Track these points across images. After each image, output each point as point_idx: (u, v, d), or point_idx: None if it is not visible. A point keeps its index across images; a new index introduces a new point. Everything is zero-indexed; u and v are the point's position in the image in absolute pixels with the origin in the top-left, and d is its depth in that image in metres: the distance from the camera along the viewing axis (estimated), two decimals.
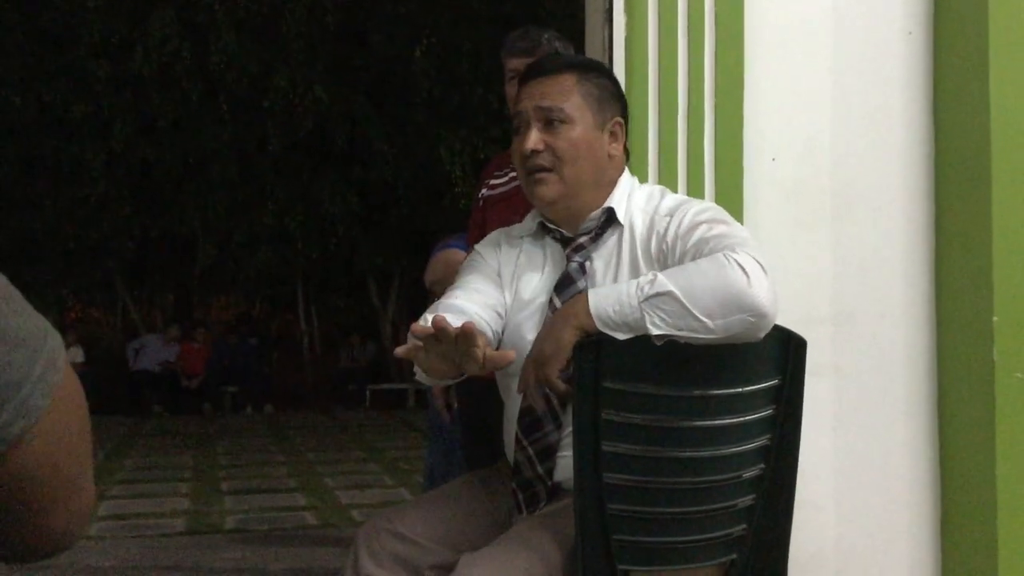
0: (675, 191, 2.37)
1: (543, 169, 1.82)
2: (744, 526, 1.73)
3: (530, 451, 1.81)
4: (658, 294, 1.56)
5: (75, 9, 12.14)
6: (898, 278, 2.50)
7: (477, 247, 2.03)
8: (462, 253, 3.37)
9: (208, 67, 12.22)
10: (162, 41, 12.03)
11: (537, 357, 1.66)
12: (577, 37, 2.82)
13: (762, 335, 1.61)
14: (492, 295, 1.89)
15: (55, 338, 0.66)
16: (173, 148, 13.10)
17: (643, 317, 1.57)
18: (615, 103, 1.89)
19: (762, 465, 1.72)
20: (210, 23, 12.19)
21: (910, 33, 2.51)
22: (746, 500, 1.72)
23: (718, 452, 1.67)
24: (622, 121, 1.89)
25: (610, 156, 1.86)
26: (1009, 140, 2.33)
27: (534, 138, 1.81)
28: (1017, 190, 2.33)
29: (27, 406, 0.62)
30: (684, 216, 1.76)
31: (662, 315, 1.56)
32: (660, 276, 1.60)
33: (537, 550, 1.67)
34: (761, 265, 1.59)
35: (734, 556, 1.74)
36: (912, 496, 2.49)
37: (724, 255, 1.59)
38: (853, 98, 2.50)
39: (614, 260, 1.83)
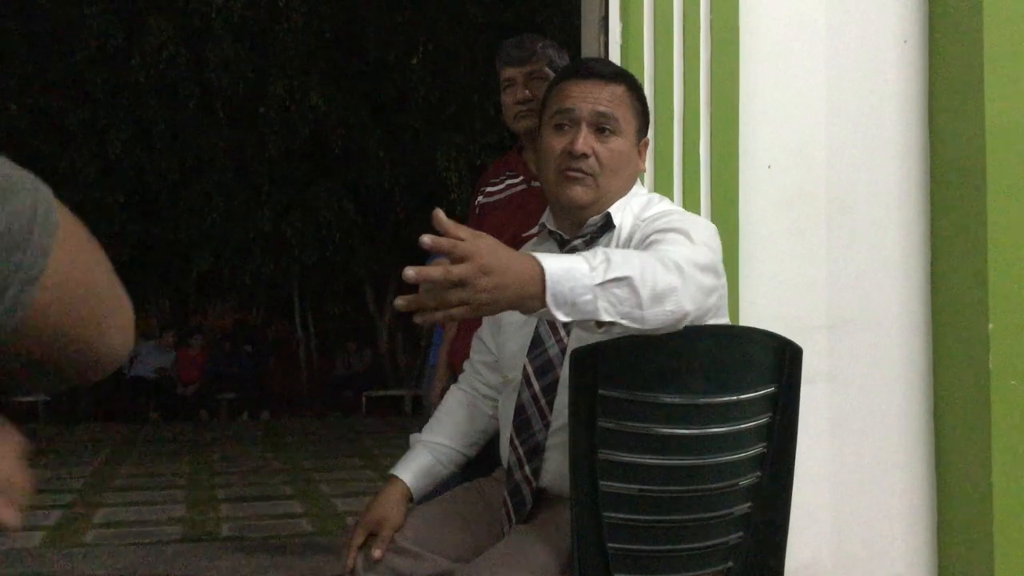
0: (671, 198, 2.38)
1: (582, 172, 1.81)
2: (741, 534, 1.73)
3: (520, 451, 1.83)
4: (616, 279, 1.46)
5: (72, 16, 12.14)
6: (894, 286, 2.50)
7: None
8: None
9: (204, 74, 12.21)
10: (158, 48, 12.04)
11: (473, 271, 1.36)
12: (573, 45, 2.83)
13: (677, 328, 1.56)
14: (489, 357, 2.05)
15: (44, 185, 0.69)
16: (169, 155, 13.08)
17: (594, 300, 1.44)
18: (646, 121, 1.92)
19: (758, 473, 1.72)
20: (206, 30, 12.19)
21: (905, 41, 2.52)
22: (742, 508, 1.72)
23: (714, 460, 1.67)
24: (648, 140, 1.93)
25: (638, 171, 1.90)
26: (1004, 147, 2.34)
27: (587, 140, 1.80)
28: (1012, 197, 2.34)
29: (42, 245, 0.65)
30: (653, 223, 1.74)
31: (614, 301, 1.46)
32: (613, 258, 1.48)
33: (532, 560, 1.67)
34: (684, 269, 1.54)
35: (731, 564, 1.73)
36: (908, 504, 2.49)
37: (658, 251, 1.58)
38: (848, 106, 2.50)
39: None
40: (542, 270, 1.42)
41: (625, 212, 1.85)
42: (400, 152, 13.06)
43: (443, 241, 1.36)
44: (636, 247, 1.72)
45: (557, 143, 1.83)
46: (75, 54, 12.33)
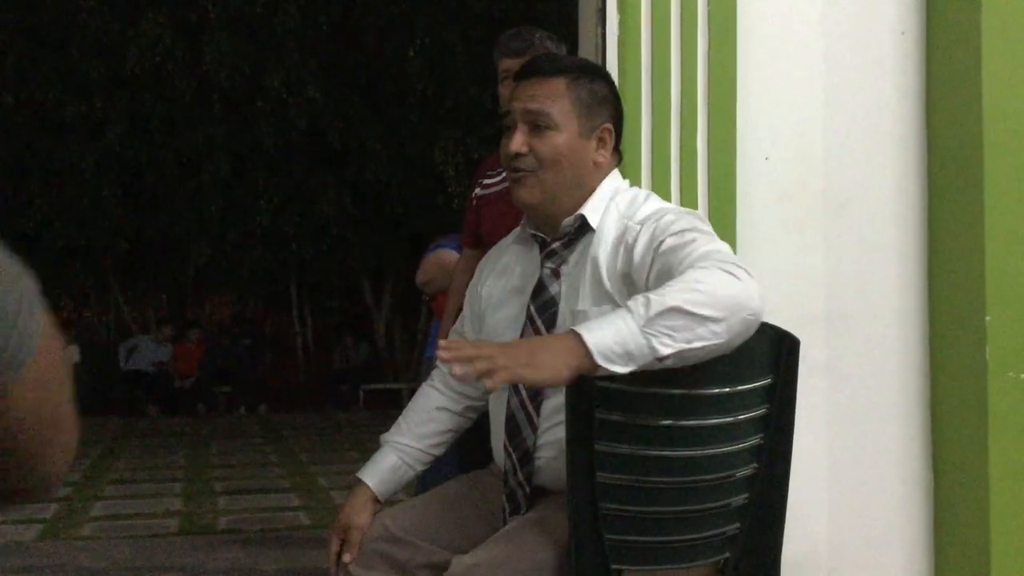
0: (668, 191, 2.38)
1: (524, 171, 1.81)
2: (737, 525, 1.73)
3: (514, 458, 1.83)
4: (660, 313, 1.48)
5: (68, 9, 12.12)
6: (891, 278, 2.50)
7: (468, 289, 2.09)
8: (454, 253, 3.37)
9: (201, 67, 12.19)
10: (155, 41, 12.01)
11: (516, 367, 1.50)
12: (570, 37, 2.82)
13: (751, 331, 1.58)
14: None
15: (31, 278, 0.68)
16: (166, 148, 13.06)
17: (647, 343, 1.48)
18: (607, 108, 1.86)
19: (755, 464, 1.72)
20: (203, 23, 12.17)
21: (903, 33, 2.52)
22: (739, 499, 1.73)
23: (711, 451, 1.67)
24: (611, 128, 1.86)
25: (595, 163, 1.84)
26: (1002, 140, 2.34)
27: (518, 140, 1.81)
28: (1010, 190, 2.34)
29: (24, 339, 0.64)
30: (655, 226, 1.71)
31: (669, 332, 1.48)
32: (653, 296, 1.51)
33: (529, 551, 1.67)
34: (742, 267, 1.57)
35: (727, 555, 1.74)
36: (905, 495, 2.49)
37: (711, 263, 1.56)
38: (846, 98, 2.50)
39: (580, 265, 1.81)
40: (578, 335, 1.50)
41: (608, 211, 1.82)
42: (398, 146, 13.04)
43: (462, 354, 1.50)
44: (642, 253, 1.70)
45: (503, 147, 1.85)
46: (71, 47, 12.30)
